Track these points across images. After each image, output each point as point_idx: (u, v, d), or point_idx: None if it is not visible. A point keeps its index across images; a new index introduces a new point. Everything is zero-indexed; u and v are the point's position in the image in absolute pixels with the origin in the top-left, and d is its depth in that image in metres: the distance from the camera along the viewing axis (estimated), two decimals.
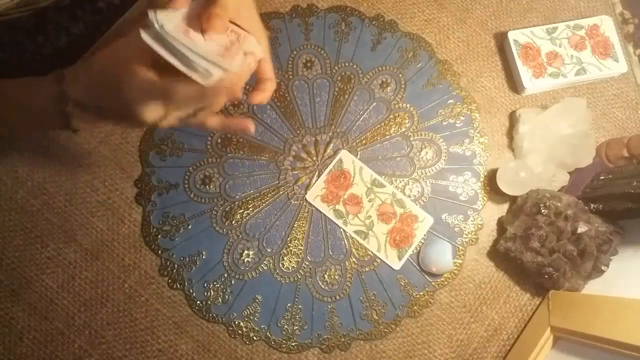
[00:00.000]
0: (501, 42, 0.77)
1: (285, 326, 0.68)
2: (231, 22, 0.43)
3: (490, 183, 0.72)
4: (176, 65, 0.38)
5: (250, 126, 0.48)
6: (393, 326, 0.69)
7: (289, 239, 0.70)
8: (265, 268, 0.69)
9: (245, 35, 0.43)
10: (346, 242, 0.70)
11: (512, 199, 0.72)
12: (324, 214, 0.70)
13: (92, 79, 0.45)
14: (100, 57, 0.45)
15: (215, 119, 0.50)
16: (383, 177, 0.72)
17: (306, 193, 0.71)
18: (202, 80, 0.39)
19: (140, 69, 0.40)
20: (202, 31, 0.40)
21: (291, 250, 0.69)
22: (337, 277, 0.69)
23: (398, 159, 0.73)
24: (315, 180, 0.71)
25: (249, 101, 0.52)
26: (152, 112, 0.42)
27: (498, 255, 0.70)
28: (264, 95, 0.49)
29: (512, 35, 0.74)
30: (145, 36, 0.37)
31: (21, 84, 0.50)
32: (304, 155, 0.72)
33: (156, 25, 0.37)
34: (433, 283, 0.70)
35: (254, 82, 0.51)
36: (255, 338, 0.67)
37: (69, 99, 0.46)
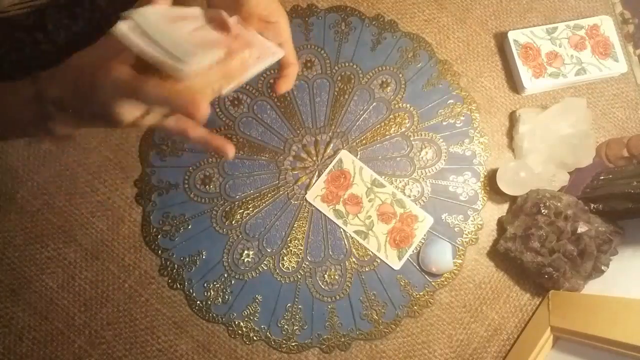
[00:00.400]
0: (501, 42, 0.77)
1: (285, 326, 0.68)
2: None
3: (490, 183, 0.72)
4: (144, 55, 0.36)
5: (230, 151, 0.45)
6: (393, 326, 0.69)
7: (289, 239, 0.70)
8: (265, 268, 0.69)
9: (245, 37, 0.42)
10: (346, 242, 0.70)
11: (512, 199, 0.72)
12: (324, 214, 0.70)
13: (67, 78, 0.43)
14: (78, 55, 0.44)
15: (198, 131, 0.47)
16: (383, 177, 0.72)
17: (306, 193, 0.71)
18: (171, 70, 0.36)
19: (116, 66, 0.38)
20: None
21: (291, 250, 0.69)
22: (337, 277, 0.69)
23: (398, 159, 0.73)
24: (315, 180, 0.71)
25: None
26: (128, 112, 0.41)
27: (498, 255, 0.70)
28: (288, 82, 0.48)
29: (512, 35, 0.74)
30: (121, 27, 0.36)
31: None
32: (304, 155, 0.72)
33: (133, 18, 0.36)
34: (433, 283, 0.70)
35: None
36: (255, 338, 0.67)
37: (47, 100, 0.45)
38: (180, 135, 0.47)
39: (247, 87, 0.72)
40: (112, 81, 0.38)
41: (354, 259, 0.70)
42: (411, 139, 0.73)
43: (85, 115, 0.45)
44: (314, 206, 0.70)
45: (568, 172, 0.71)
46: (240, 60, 0.40)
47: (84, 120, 0.46)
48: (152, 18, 0.36)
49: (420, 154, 0.73)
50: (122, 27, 0.36)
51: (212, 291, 0.68)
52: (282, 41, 0.46)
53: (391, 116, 0.74)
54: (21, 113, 0.47)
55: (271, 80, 0.70)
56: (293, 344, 0.67)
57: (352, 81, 0.74)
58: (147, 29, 0.36)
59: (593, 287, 0.66)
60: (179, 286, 0.68)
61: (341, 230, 0.70)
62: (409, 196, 0.72)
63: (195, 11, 0.41)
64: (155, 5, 0.39)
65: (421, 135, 0.74)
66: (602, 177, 0.69)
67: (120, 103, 0.40)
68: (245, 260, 0.69)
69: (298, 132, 0.72)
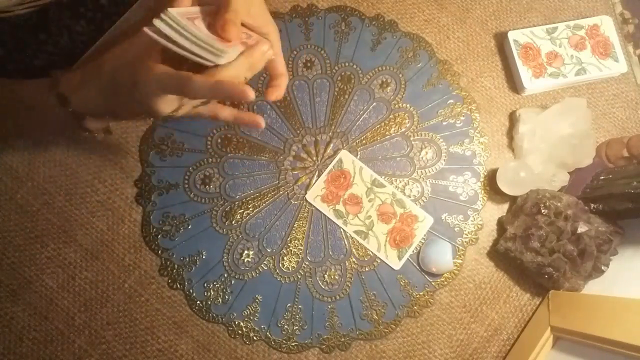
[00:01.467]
0: (501, 42, 0.77)
1: (285, 326, 0.68)
2: (243, 24, 0.45)
3: (490, 183, 0.72)
4: (185, 51, 0.39)
5: (261, 121, 0.49)
6: (393, 326, 0.69)
7: (289, 239, 0.70)
8: (265, 268, 0.69)
9: (256, 37, 0.45)
10: (346, 242, 0.70)
11: (512, 199, 0.72)
12: (324, 214, 0.70)
13: (103, 81, 0.46)
14: (109, 58, 0.46)
15: (227, 111, 0.52)
16: (383, 177, 0.72)
17: (306, 193, 0.71)
18: (215, 60, 0.40)
19: (156, 65, 0.41)
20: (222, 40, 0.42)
21: (291, 250, 0.69)
22: (337, 277, 0.69)
23: (398, 159, 0.73)
24: (315, 180, 0.71)
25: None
26: (169, 104, 0.44)
27: (498, 255, 0.70)
28: (279, 91, 0.50)
29: (512, 35, 0.74)
30: (159, 24, 0.38)
31: (30, 85, 0.51)
32: (304, 155, 0.72)
33: (167, 17, 0.38)
34: (433, 283, 0.70)
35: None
36: (255, 338, 0.67)
37: (69, 103, 0.47)
38: (212, 117, 0.52)
39: (260, 86, 0.72)
40: (157, 79, 0.41)
41: (354, 259, 0.70)
42: (411, 139, 0.73)
43: (123, 112, 0.49)
44: (314, 206, 0.70)
45: (568, 172, 0.71)
46: (260, 53, 0.43)
47: (121, 116, 0.50)
48: (180, 17, 0.38)
49: (420, 154, 0.73)
50: (162, 26, 0.38)
51: (212, 291, 0.68)
52: (273, 53, 0.48)
53: (391, 116, 0.74)
54: (50, 110, 0.49)
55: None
56: (293, 344, 0.67)
57: (352, 81, 0.74)
58: (180, 27, 0.38)
59: (593, 287, 0.66)
60: (179, 286, 0.68)
61: (341, 230, 0.70)
62: (409, 196, 0.72)
63: (197, 9, 0.43)
64: (180, 6, 0.41)
65: (421, 135, 0.74)
66: (602, 177, 0.69)
67: (162, 97, 0.42)
68: (245, 260, 0.69)
69: (298, 132, 0.72)
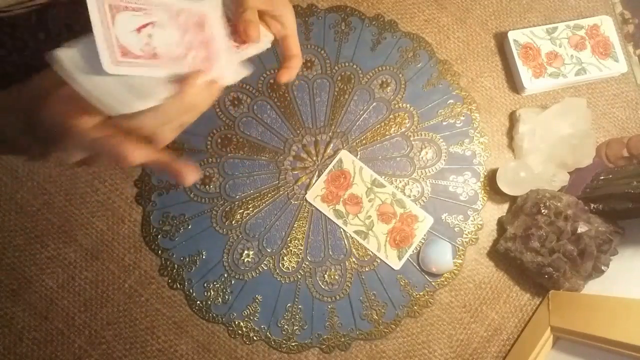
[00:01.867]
0: (501, 42, 0.77)
1: (285, 326, 0.68)
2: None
3: (490, 183, 0.72)
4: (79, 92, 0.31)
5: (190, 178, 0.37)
6: (393, 326, 0.68)
7: (289, 239, 0.70)
8: (265, 268, 0.69)
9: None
10: (346, 242, 0.70)
11: (512, 199, 0.72)
12: (324, 214, 0.70)
13: (22, 102, 0.39)
14: (36, 79, 0.39)
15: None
16: (383, 177, 0.72)
17: (306, 193, 0.71)
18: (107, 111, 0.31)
19: (53, 100, 0.34)
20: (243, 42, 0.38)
21: (291, 250, 0.69)
22: (337, 277, 0.69)
23: (398, 159, 0.73)
24: (315, 180, 0.71)
25: (276, 80, 0.48)
26: (70, 155, 0.36)
27: (498, 255, 0.70)
28: (291, 73, 0.47)
29: (512, 35, 0.74)
30: (58, 55, 0.31)
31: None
32: (304, 155, 0.72)
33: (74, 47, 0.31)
34: (433, 283, 0.70)
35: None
36: (255, 338, 0.67)
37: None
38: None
39: (247, 87, 0.72)
40: (49, 118, 0.34)
41: (354, 259, 0.70)
42: (411, 139, 0.73)
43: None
44: (314, 206, 0.70)
45: (568, 172, 0.71)
46: (195, 90, 0.33)
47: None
48: (101, 44, 0.30)
49: (420, 154, 0.73)
50: (60, 55, 0.30)
51: (212, 291, 0.68)
52: (287, 34, 0.45)
53: (391, 116, 0.74)
54: None
55: (270, 79, 0.71)
56: (293, 344, 0.67)
57: (352, 81, 0.74)
58: (85, 61, 0.30)
59: (593, 287, 0.66)
60: (179, 286, 0.68)
61: (341, 230, 0.70)
62: (409, 196, 0.72)
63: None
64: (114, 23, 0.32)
65: (421, 135, 0.74)
66: (602, 177, 0.69)
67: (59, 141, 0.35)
68: (245, 260, 0.69)
69: (298, 132, 0.72)
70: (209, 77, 0.34)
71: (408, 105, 0.74)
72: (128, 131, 0.33)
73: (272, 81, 0.73)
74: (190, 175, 0.37)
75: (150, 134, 0.34)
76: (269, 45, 0.42)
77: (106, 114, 0.31)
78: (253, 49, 0.40)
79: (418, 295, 0.69)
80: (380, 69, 0.74)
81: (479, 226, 0.72)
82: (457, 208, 0.72)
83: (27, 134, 0.39)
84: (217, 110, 0.71)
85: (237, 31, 0.38)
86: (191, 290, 0.68)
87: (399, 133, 0.73)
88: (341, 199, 0.71)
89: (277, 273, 0.69)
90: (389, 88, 0.74)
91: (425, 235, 0.71)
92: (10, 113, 0.40)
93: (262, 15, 0.42)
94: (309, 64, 0.74)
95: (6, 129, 0.40)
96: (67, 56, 0.30)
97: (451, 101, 0.74)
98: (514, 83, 0.76)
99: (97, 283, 0.67)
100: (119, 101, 0.30)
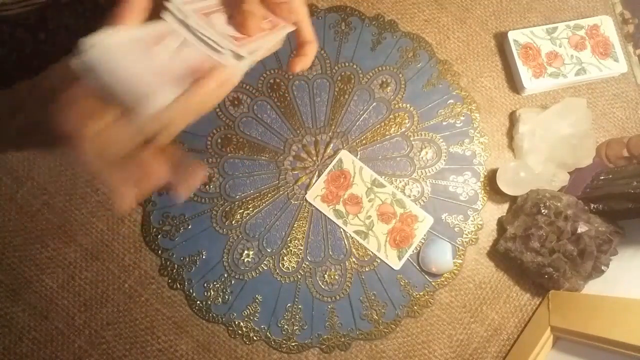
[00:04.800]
0: (501, 42, 0.77)
1: (285, 326, 0.68)
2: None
3: (490, 183, 0.72)
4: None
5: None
6: (393, 326, 0.68)
7: (289, 239, 0.70)
8: (265, 268, 0.69)
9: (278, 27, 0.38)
10: (346, 242, 0.70)
11: (512, 199, 0.72)
12: (324, 214, 0.70)
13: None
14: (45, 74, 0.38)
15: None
16: (383, 177, 0.72)
17: (306, 193, 0.71)
18: (224, 62, 0.33)
19: (63, 99, 0.33)
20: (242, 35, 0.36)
21: (291, 250, 0.69)
22: (337, 277, 0.69)
23: (398, 159, 0.73)
24: (315, 180, 0.71)
25: (290, 69, 0.45)
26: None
27: (498, 255, 0.70)
28: (305, 61, 0.44)
29: (512, 35, 0.74)
30: (80, 57, 0.30)
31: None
32: (304, 155, 0.72)
33: (174, 8, 0.31)
34: (433, 283, 0.70)
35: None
36: (255, 338, 0.67)
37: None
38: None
39: (247, 87, 0.72)
40: (57, 118, 0.33)
41: (354, 259, 0.70)
42: (411, 139, 0.73)
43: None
44: (314, 206, 0.70)
45: (568, 172, 0.71)
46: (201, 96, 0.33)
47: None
48: (116, 46, 0.30)
49: (420, 154, 0.73)
50: (80, 58, 0.30)
51: (212, 291, 0.68)
52: (297, 19, 0.43)
53: (391, 116, 0.74)
54: None
55: (270, 79, 0.71)
56: (293, 344, 0.67)
57: (352, 81, 0.74)
58: (187, 21, 0.32)
59: (593, 287, 0.66)
60: (179, 286, 0.68)
61: (341, 230, 0.70)
62: (409, 196, 0.72)
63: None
64: (121, 30, 0.32)
65: (421, 135, 0.74)
66: (602, 177, 0.69)
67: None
68: (245, 260, 0.69)
69: (298, 132, 0.72)
70: (225, 74, 0.34)
71: (408, 105, 0.74)
72: (139, 131, 0.32)
73: (272, 81, 0.73)
74: (199, 176, 0.38)
75: (158, 133, 0.34)
76: (281, 45, 0.41)
77: (123, 109, 0.31)
78: (266, 50, 0.39)
79: (418, 295, 0.69)
80: (380, 69, 0.74)
81: (479, 226, 0.72)
82: (457, 208, 0.72)
83: (34, 134, 0.39)
84: (217, 110, 0.71)
85: (234, 23, 0.36)
86: (191, 290, 0.68)
87: (399, 133, 0.73)
88: (341, 199, 0.71)
89: (277, 273, 0.69)
90: (389, 88, 0.74)
91: (425, 235, 0.71)
92: (19, 112, 0.40)
93: (266, 2, 0.40)
94: None
95: (12, 128, 0.40)
96: (105, 42, 0.30)
97: (451, 101, 0.74)
98: (514, 83, 0.76)
99: (97, 283, 0.67)
100: (142, 93, 0.30)
